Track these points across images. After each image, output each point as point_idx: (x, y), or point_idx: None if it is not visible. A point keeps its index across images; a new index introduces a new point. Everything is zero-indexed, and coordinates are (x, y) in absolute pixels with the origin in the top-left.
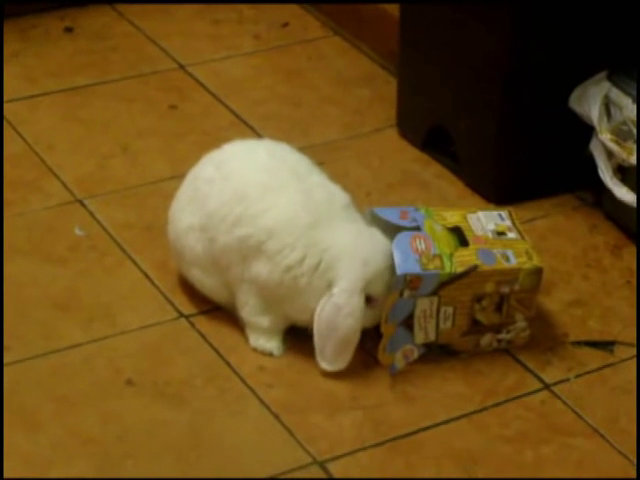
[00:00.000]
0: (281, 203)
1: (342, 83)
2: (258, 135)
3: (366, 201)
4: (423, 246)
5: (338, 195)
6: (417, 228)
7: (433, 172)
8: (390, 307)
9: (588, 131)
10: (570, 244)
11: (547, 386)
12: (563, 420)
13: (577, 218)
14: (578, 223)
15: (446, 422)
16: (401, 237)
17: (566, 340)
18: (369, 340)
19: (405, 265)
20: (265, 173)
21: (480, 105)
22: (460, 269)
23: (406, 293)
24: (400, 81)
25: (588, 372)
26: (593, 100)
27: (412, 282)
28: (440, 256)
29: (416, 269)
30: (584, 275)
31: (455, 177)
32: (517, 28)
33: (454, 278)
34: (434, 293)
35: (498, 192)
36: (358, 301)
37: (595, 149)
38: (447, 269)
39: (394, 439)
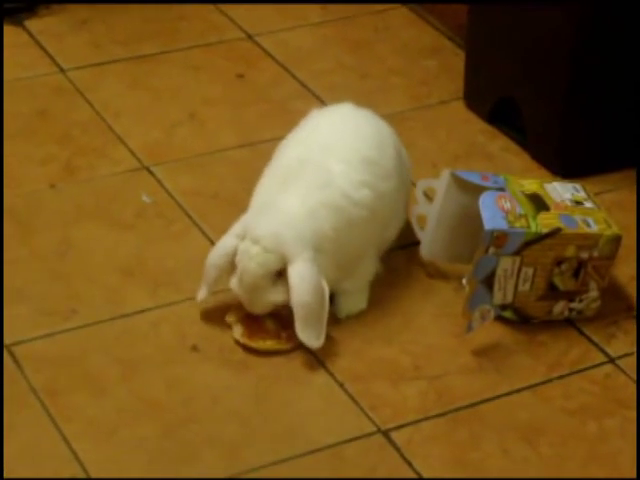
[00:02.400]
0: None
1: (409, 55)
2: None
3: (432, 172)
4: (509, 205)
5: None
6: (501, 189)
7: (499, 145)
8: (476, 263)
9: None
10: (635, 218)
11: (611, 359)
12: (627, 394)
13: None
14: None
15: (509, 394)
16: (487, 195)
17: (631, 314)
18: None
19: (493, 221)
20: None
21: (547, 78)
22: (545, 230)
23: (491, 250)
24: (468, 53)
25: None
26: None
27: (498, 239)
28: (526, 216)
29: (503, 226)
30: None
31: (521, 150)
32: (588, 2)
33: (539, 238)
34: (517, 252)
35: (564, 165)
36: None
37: None
38: (533, 228)
39: (457, 409)
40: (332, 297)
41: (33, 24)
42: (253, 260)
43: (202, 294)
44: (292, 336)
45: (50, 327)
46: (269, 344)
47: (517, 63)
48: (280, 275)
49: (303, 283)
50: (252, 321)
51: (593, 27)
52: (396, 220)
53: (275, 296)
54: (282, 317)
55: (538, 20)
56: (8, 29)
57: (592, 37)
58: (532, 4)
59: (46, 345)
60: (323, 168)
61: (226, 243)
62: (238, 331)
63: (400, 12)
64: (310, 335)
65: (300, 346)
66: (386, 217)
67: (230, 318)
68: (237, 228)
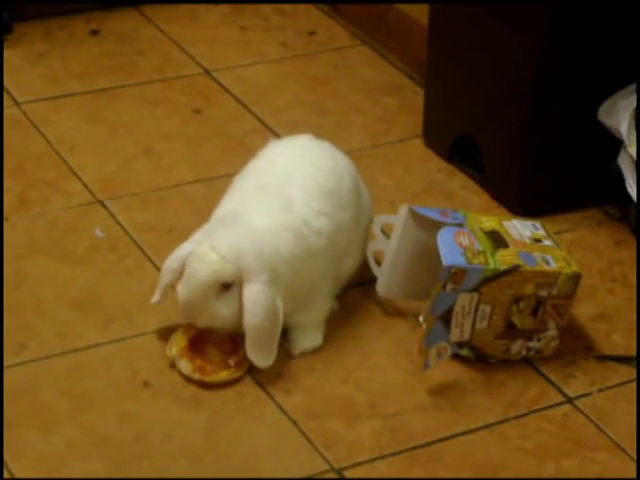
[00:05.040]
0: None
1: (368, 92)
2: None
3: (390, 210)
4: (467, 241)
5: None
6: (459, 225)
7: (458, 183)
8: (433, 299)
9: (616, 144)
10: (596, 258)
11: (569, 400)
12: (585, 434)
13: (603, 232)
14: (604, 237)
15: (466, 433)
16: (445, 231)
17: (590, 354)
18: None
19: (451, 257)
20: None
21: (508, 116)
22: (504, 267)
23: (449, 286)
24: (427, 91)
25: (611, 387)
26: (622, 113)
27: (456, 275)
28: (484, 252)
29: (461, 262)
30: (609, 289)
31: (481, 188)
32: (547, 40)
33: (497, 275)
34: (475, 289)
35: (524, 204)
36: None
37: (623, 163)
38: (491, 265)
39: (413, 448)
40: (285, 331)
41: None
42: (206, 265)
43: (155, 298)
44: (241, 361)
45: None
46: (223, 375)
47: (476, 102)
48: (227, 288)
49: (257, 306)
50: (196, 353)
51: (553, 67)
52: (353, 254)
53: (217, 309)
54: (223, 343)
55: (498, 59)
56: None
57: (552, 77)
58: (492, 41)
59: None
60: (284, 194)
61: (184, 249)
62: (187, 367)
63: (360, 50)
64: (260, 356)
65: (251, 369)
66: (343, 249)
67: (171, 351)
68: (197, 236)
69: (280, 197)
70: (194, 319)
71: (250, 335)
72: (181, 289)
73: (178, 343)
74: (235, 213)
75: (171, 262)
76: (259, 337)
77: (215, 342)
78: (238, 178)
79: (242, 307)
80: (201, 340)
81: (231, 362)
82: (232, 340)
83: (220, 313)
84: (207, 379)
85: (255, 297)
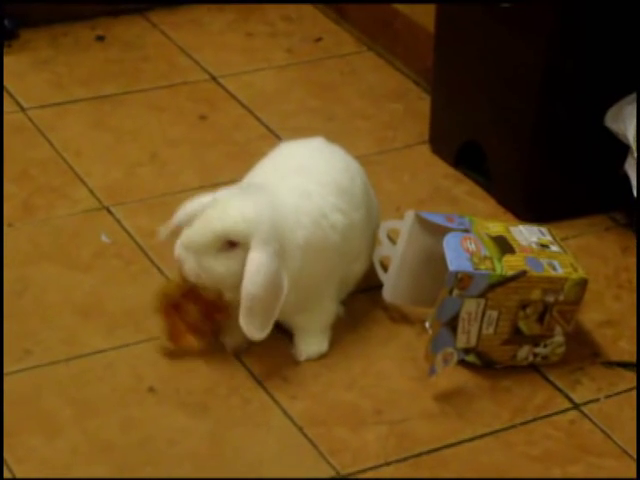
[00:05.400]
0: None
1: (374, 98)
2: None
3: (396, 216)
4: (474, 247)
5: None
6: (466, 231)
7: (464, 189)
8: (439, 305)
9: (623, 150)
10: (602, 264)
11: (576, 406)
12: (592, 440)
13: (609, 238)
14: (610, 244)
15: (472, 439)
16: (451, 237)
17: (596, 360)
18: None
19: (457, 263)
20: None
21: (514, 122)
22: (510, 272)
23: (455, 292)
24: (433, 96)
25: (618, 393)
26: (629, 118)
27: (462, 280)
28: (490, 258)
29: (468, 267)
30: (616, 295)
31: (487, 194)
32: (553, 44)
33: (503, 281)
34: (482, 295)
35: (530, 210)
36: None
37: (630, 168)
38: (498, 270)
39: (418, 455)
40: (291, 336)
41: None
42: (221, 216)
43: (163, 232)
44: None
45: (4, 367)
46: (191, 341)
47: (482, 107)
48: (231, 247)
49: (258, 275)
50: (172, 312)
51: (559, 73)
52: (362, 258)
53: (213, 264)
54: (207, 305)
55: (505, 64)
56: None
57: (558, 82)
58: (498, 47)
59: None
60: (301, 185)
61: (207, 197)
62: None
63: (366, 56)
64: (252, 326)
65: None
66: (354, 250)
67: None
68: (223, 192)
69: (299, 187)
70: (187, 269)
71: (245, 303)
72: (187, 232)
73: (162, 297)
74: (265, 184)
75: (191, 205)
76: (253, 306)
77: (198, 303)
78: (250, 173)
79: (242, 272)
80: (186, 298)
81: (202, 328)
82: (216, 306)
83: (213, 268)
84: (170, 345)
85: (258, 266)
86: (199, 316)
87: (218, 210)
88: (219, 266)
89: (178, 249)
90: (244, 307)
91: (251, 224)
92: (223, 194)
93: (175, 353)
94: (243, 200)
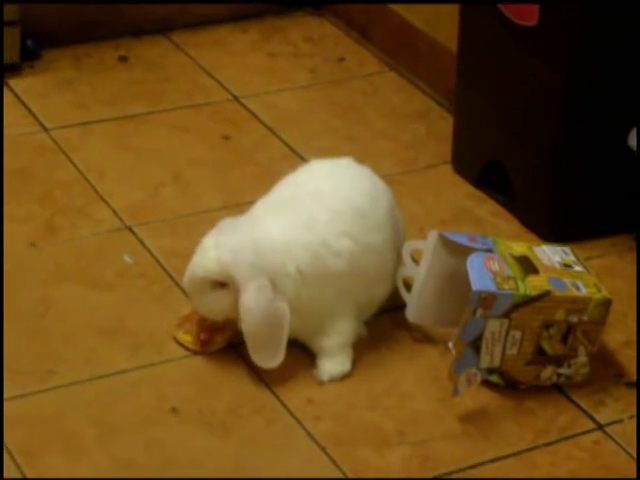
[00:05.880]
0: None
1: (397, 118)
2: None
3: (419, 236)
4: (497, 267)
5: None
6: (489, 250)
7: (488, 209)
8: (463, 325)
9: None
10: (625, 284)
11: (600, 426)
12: (616, 461)
13: (632, 258)
14: (633, 263)
15: (495, 460)
16: (475, 257)
17: (620, 380)
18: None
19: (480, 283)
20: None
21: (536, 142)
22: (534, 292)
23: (479, 312)
24: (456, 117)
25: None
26: None
27: (486, 300)
28: (514, 278)
29: (491, 287)
30: None
31: (510, 214)
32: (574, 65)
33: (527, 301)
34: (505, 315)
35: (554, 231)
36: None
37: None
38: (521, 290)
39: (442, 476)
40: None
41: (17, 83)
42: (203, 261)
43: None
44: (209, 342)
45: (27, 387)
46: (220, 341)
47: (505, 128)
48: (222, 286)
49: (248, 314)
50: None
51: (581, 94)
52: (388, 279)
53: (209, 302)
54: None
55: (527, 84)
56: None
57: (580, 102)
58: (520, 67)
59: (23, 405)
60: (310, 212)
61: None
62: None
63: (388, 76)
64: (262, 358)
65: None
66: (370, 272)
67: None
68: (216, 228)
69: (305, 214)
70: (194, 306)
71: (248, 341)
72: (185, 275)
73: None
74: (253, 218)
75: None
76: (256, 342)
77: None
78: (276, 187)
79: (232, 308)
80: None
81: (201, 336)
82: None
83: (210, 306)
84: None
85: (247, 305)
86: (206, 327)
87: (200, 254)
88: (215, 304)
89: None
90: (248, 345)
91: (229, 266)
92: (214, 232)
93: (200, 370)
94: (224, 241)
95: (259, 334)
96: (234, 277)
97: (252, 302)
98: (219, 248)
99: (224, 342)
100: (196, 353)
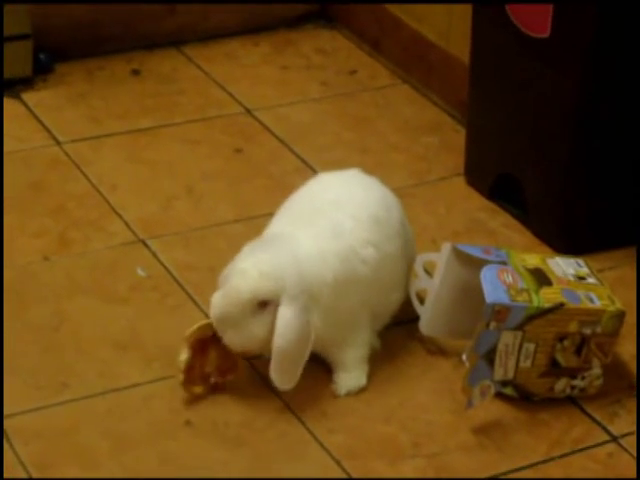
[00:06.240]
0: None
1: (409, 131)
2: None
3: (432, 248)
4: (511, 279)
5: None
6: (503, 263)
7: (501, 221)
8: (476, 337)
9: None
10: (637, 295)
11: (614, 438)
12: (630, 473)
13: None
14: None
15: (510, 472)
16: (488, 269)
17: (634, 392)
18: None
19: (494, 295)
20: None
21: (549, 154)
22: (547, 305)
23: (492, 324)
24: (468, 129)
25: None
26: None
27: (500, 313)
28: (528, 290)
29: (505, 300)
30: None
31: (523, 227)
32: (588, 76)
33: (541, 313)
34: (519, 327)
35: (567, 242)
36: None
37: None
38: (535, 303)
39: None
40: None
41: (30, 97)
42: (246, 281)
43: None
44: (221, 386)
45: (41, 400)
46: (197, 390)
47: (518, 140)
48: (263, 307)
49: (288, 329)
50: (197, 354)
51: (594, 105)
52: (399, 288)
53: (251, 327)
54: (224, 357)
55: (538, 97)
56: (5, 101)
57: (593, 113)
58: (533, 79)
59: (36, 419)
60: (336, 221)
61: (229, 267)
62: (180, 360)
63: (401, 89)
64: (282, 378)
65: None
66: (388, 281)
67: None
68: (243, 253)
69: (331, 222)
70: (224, 333)
71: (276, 357)
72: (218, 302)
73: (196, 330)
74: (283, 235)
75: (220, 278)
76: (284, 360)
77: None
78: (289, 202)
79: (274, 328)
80: (209, 342)
81: (212, 380)
82: (232, 363)
83: (253, 332)
84: (187, 391)
85: (288, 320)
86: (214, 368)
87: (241, 276)
88: (258, 329)
89: (215, 323)
90: (275, 361)
91: (276, 280)
92: (243, 257)
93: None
94: (263, 259)
95: (289, 351)
96: (281, 292)
97: (295, 317)
98: (260, 267)
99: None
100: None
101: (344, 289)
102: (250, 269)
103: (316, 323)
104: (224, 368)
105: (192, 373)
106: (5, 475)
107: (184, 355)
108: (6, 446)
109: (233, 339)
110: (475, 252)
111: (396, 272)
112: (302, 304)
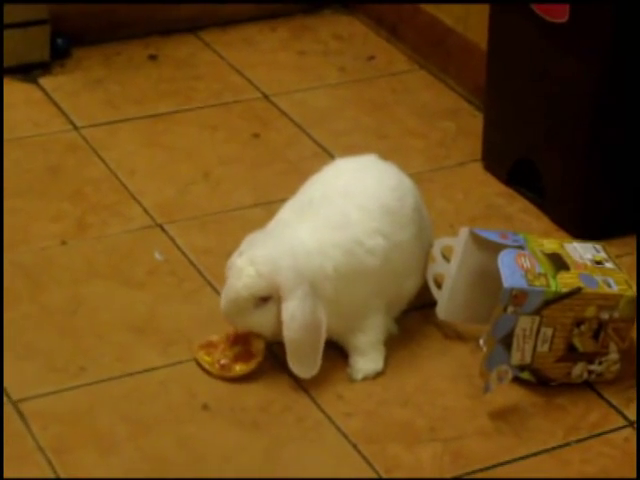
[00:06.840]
0: None
1: (427, 116)
2: None
3: (449, 233)
4: (528, 264)
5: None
6: (520, 247)
7: (518, 207)
8: (494, 322)
9: None
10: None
11: (631, 423)
12: None
13: None
14: None
15: (526, 457)
16: (506, 253)
17: None
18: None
19: (512, 279)
20: None
21: (567, 140)
22: (565, 289)
23: (510, 309)
24: (486, 114)
25: None
26: None
27: (517, 297)
28: (545, 275)
29: (522, 284)
30: None
31: (540, 212)
32: (607, 61)
33: (558, 298)
34: (537, 312)
35: (584, 228)
36: None
37: None
38: (553, 287)
39: (473, 472)
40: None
41: (47, 82)
42: (242, 280)
43: None
44: (228, 367)
45: (58, 384)
46: (239, 369)
47: (536, 125)
48: (266, 300)
49: (293, 322)
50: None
51: (613, 89)
52: (415, 275)
53: (256, 319)
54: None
55: (557, 82)
56: (23, 86)
57: (611, 99)
58: (551, 64)
59: (54, 402)
60: (341, 211)
61: (230, 261)
62: (204, 360)
63: (418, 74)
64: (301, 367)
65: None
66: (401, 269)
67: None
68: (242, 246)
69: (337, 213)
70: (235, 325)
71: (289, 349)
72: (222, 299)
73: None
74: (283, 225)
75: (226, 268)
76: (298, 350)
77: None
78: (303, 187)
79: (280, 320)
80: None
81: (222, 361)
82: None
83: (257, 323)
84: (226, 374)
85: (291, 314)
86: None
87: (237, 275)
88: (260, 320)
89: (224, 318)
90: (289, 353)
91: (271, 277)
92: (242, 251)
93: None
94: (258, 255)
95: (301, 341)
96: (279, 286)
97: (297, 309)
98: (257, 263)
99: (243, 372)
100: (210, 376)
101: (349, 280)
102: (246, 268)
103: (324, 318)
104: (238, 357)
105: (210, 347)
106: (23, 457)
107: (261, 344)
108: (24, 430)
109: (241, 328)
110: (492, 237)
111: (410, 259)
112: (303, 295)
